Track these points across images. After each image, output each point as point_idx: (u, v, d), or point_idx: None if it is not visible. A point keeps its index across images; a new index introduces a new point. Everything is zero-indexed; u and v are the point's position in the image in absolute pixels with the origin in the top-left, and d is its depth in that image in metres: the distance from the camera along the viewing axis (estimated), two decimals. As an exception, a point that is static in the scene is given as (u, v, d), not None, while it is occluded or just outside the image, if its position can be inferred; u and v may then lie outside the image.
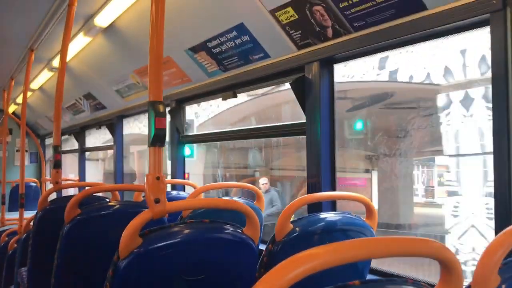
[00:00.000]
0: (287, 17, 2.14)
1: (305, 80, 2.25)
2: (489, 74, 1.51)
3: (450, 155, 4.81)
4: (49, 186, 6.22)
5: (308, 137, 2.26)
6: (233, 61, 2.70)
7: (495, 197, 1.47)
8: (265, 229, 2.78)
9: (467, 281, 0.81)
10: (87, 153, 6.57)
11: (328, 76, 2.21)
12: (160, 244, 1.25)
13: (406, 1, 1.69)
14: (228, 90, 2.93)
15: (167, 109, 3.34)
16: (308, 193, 2.20)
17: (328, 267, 0.64)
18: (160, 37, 1.46)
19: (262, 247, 1.66)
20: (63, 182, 2.92)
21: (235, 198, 2.35)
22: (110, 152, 6.79)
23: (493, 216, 1.49)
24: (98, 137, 7.38)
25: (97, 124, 5.50)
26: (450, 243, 4.63)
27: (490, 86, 1.50)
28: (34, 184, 7.26)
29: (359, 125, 6.36)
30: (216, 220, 1.41)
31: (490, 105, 1.51)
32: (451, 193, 4.92)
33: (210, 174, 8.69)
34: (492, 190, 1.47)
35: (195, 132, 5.41)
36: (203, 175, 8.46)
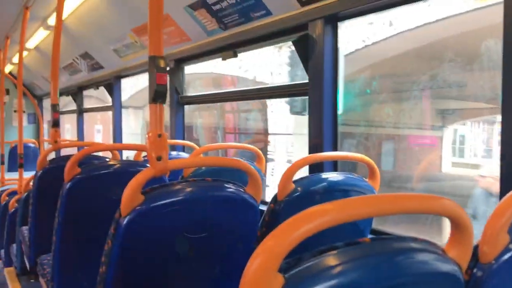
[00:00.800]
0: (291, -29, 2.06)
1: (308, 38, 2.18)
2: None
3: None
4: (48, 146, 6.18)
5: (311, 98, 2.22)
6: (233, 19, 2.62)
7: (501, 159, 1.45)
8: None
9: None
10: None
11: (332, 35, 2.15)
12: (163, 201, 1.24)
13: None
14: (228, 49, 2.86)
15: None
16: (309, 153, 2.19)
17: (339, 223, 0.63)
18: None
19: (263, 209, 1.65)
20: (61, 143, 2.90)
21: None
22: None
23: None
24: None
25: (94, 84, 5.43)
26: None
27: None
28: (32, 145, 7.23)
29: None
30: (218, 179, 1.40)
31: None
32: None
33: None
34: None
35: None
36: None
